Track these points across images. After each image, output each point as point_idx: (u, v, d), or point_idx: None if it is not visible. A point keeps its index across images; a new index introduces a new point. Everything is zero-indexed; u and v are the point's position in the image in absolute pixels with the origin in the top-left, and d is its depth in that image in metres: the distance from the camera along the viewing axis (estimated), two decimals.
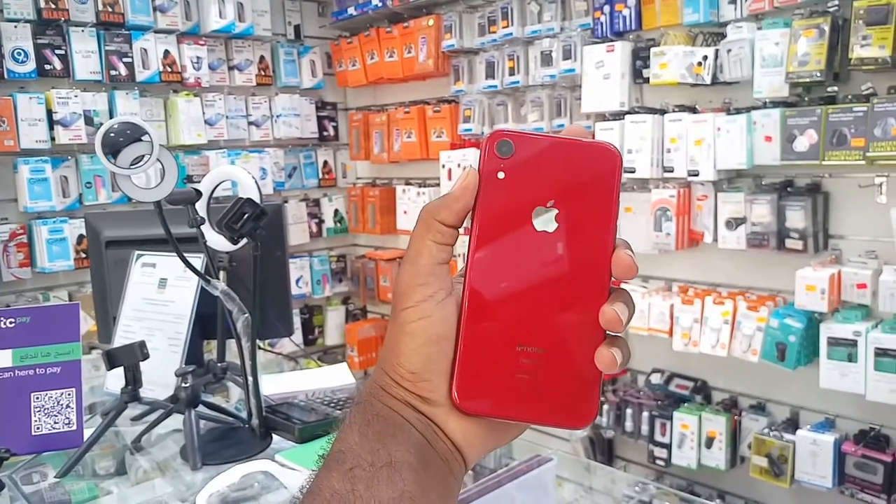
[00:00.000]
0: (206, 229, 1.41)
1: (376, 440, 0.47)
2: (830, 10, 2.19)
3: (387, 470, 0.45)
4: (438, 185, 3.38)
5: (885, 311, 2.15)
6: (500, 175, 0.49)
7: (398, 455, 0.46)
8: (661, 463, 2.65)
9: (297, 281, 3.86)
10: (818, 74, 2.16)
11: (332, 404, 1.50)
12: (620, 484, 1.69)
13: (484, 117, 3.29)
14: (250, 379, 1.35)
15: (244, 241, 1.34)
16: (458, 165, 3.24)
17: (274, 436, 1.42)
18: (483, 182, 0.49)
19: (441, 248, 0.49)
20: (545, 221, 0.48)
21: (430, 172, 3.60)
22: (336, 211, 4.10)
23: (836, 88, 2.24)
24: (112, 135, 1.24)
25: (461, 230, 0.50)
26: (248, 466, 0.93)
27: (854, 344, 2.13)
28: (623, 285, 0.50)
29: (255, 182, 1.44)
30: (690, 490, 2.71)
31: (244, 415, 1.43)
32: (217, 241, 1.41)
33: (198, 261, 1.45)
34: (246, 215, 1.26)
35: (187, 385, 1.32)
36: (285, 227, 1.81)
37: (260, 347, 1.71)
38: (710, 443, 2.52)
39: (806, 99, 2.27)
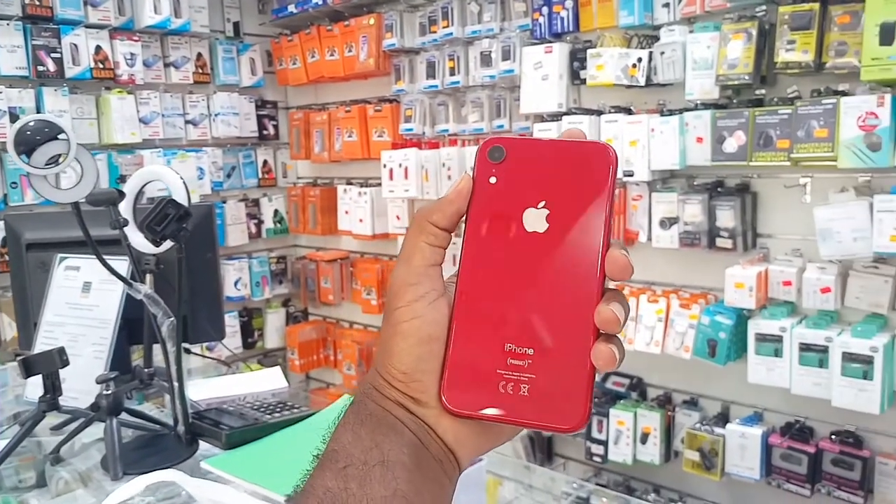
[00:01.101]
0: (131, 231, 1.37)
1: (369, 439, 0.47)
2: (758, 14, 2.25)
3: (379, 468, 0.46)
4: (380, 184, 3.36)
5: (808, 307, 2.22)
6: (492, 180, 0.50)
7: (391, 454, 0.46)
8: (598, 459, 2.69)
9: (236, 283, 3.79)
10: (746, 77, 2.22)
11: (263, 409, 1.48)
12: (559, 482, 1.72)
13: (425, 117, 3.28)
14: (175, 384, 1.31)
15: (168, 243, 1.30)
16: (400, 165, 3.23)
17: (202, 442, 1.39)
18: (476, 187, 0.50)
19: (434, 250, 0.50)
20: (536, 222, 0.48)
21: (371, 172, 3.58)
22: (276, 211, 4.04)
23: (763, 91, 2.30)
24: (27, 133, 1.20)
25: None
26: (152, 476, 0.91)
27: (780, 339, 2.20)
28: None
29: (183, 182, 1.40)
30: (627, 485, 2.76)
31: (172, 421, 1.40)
32: (142, 243, 1.37)
33: (125, 264, 1.41)
34: (169, 216, 1.23)
35: (109, 392, 1.28)
36: (216, 227, 1.78)
37: (188, 351, 1.67)
38: (644, 438, 2.57)
39: (735, 101, 2.34)
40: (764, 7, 2.24)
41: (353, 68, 3.50)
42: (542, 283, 0.48)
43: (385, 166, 3.28)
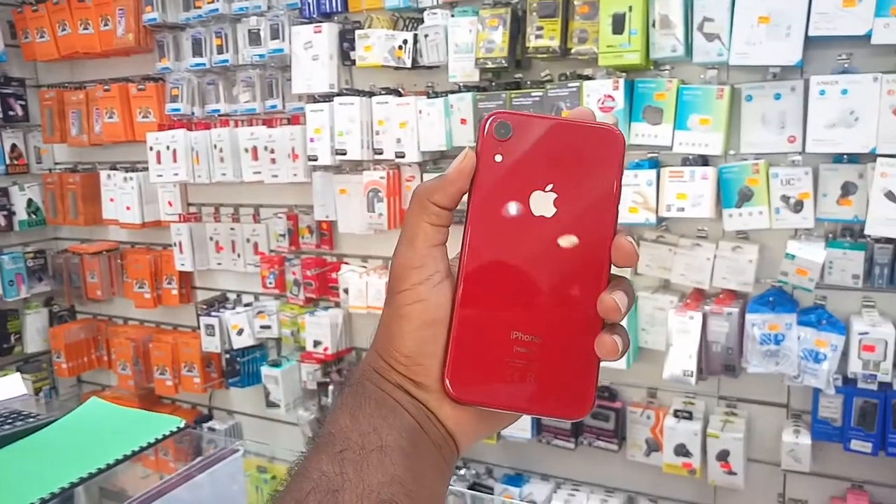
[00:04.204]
0: None
1: (367, 423, 0.46)
2: (512, 1, 2.37)
3: (377, 454, 0.45)
4: (147, 169, 3.14)
5: None
6: (498, 158, 0.48)
7: (390, 439, 0.45)
8: None
9: None
10: (503, 61, 2.33)
11: None
12: None
13: (193, 96, 3.11)
14: None
15: None
16: (167, 147, 3.03)
17: None
18: (480, 164, 0.48)
19: (436, 230, 0.49)
20: (543, 205, 0.47)
21: (137, 155, 3.33)
22: (30, 201, 3.63)
23: (520, 75, 2.44)
24: None
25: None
26: None
27: None
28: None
29: None
30: None
31: None
32: None
33: None
34: None
35: None
36: None
37: None
38: None
39: (494, 84, 2.45)
40: None
41: (111, 44, 3.22)
42: (549, 270, 0.47)
43: (151, 149, 3.07)
